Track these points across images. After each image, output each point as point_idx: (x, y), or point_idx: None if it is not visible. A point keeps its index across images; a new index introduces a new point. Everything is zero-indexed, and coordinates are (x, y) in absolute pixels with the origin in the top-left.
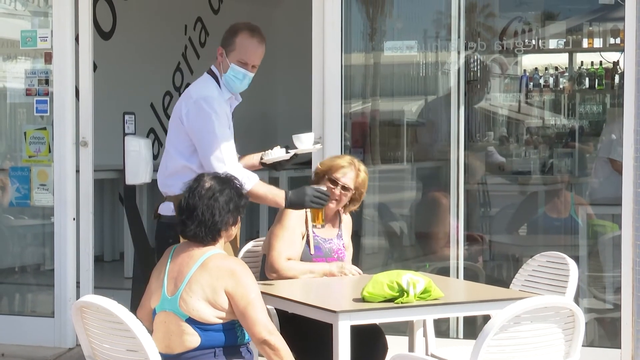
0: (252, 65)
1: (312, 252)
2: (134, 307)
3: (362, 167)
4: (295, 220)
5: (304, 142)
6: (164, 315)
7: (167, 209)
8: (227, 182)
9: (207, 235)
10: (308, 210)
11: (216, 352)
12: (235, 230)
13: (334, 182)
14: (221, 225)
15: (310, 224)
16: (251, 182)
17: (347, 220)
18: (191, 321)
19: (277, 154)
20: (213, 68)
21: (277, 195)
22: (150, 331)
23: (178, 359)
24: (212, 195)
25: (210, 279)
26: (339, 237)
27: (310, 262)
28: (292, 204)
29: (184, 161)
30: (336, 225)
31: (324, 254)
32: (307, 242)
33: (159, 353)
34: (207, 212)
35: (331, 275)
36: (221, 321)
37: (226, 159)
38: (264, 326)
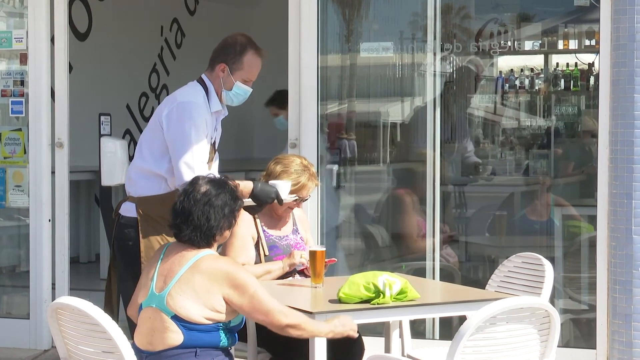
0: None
1: (267, 253)
2: (108, 309)
3: (311, 167)
4: (244, 226)
5: (282, 190)
6: (150, 311)
7: (128, 209)
8: (222, 185)
9: (202, 240)
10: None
11: (197, 352)
12: (229, 233)
13: (298, 197)
14: (216, 231)
15: (259, 226)
16: None
17: (300, 214)
18: (176, 319)
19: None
20: (204, 78)
21: (245, 186)
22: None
23: (158, 356)
24: (208, 201)
25: (203, 280)
26: (294, 232)
27: (270, 263)
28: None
29: (154, 166)
30: (289, 221)
31: (283, 251)
32: (261, 245)
33: (140, 350)
34: (203, 217)
35: (291, 268)
36: (209, 322)
37: (196, 167)
38: (278, 312)
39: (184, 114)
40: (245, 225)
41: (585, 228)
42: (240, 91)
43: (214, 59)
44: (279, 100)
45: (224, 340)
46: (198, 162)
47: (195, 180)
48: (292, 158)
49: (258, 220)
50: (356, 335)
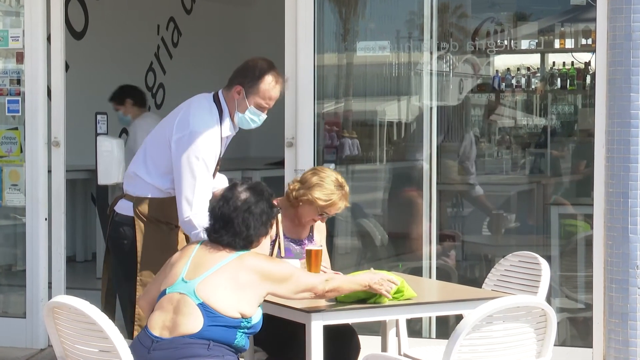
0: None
1: (283, 255)
2: (105, 307)
3: (346, 186)
4: None
5: None
6: (174, 296)
7: (124, 207)
8: (260, 193)
9: (240, 246)
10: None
11: (210, 345)
12: (266, 241)
13: (325, 213)
14: (254, 238)
15: (280, 227)
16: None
17: (319, 223)
18: (204, 307)
19: None
20: (221, 98)
21: None
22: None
23: (170, 342)
24: (248, 208)
25: (249, 276)
26: (309, 238)
27: None
28: None
29: (158, 181)
30: (308, 228)
31: (295, 256)
32: (278, 245)
33: (152, 335)
34: (243, 225)
35: None
36: (238, 316)
37: (194, 204)
38: (319, 283)
39: (194, 146)
40: None
41: (581, 227)
42: (253, 116)
43: (232, 80)
44: (118, 95)
45: (238, 339)
46: (198, 199)
47: (234, 186)
48: (329, 172)
49: (280, 223)
50: (390, 297)
